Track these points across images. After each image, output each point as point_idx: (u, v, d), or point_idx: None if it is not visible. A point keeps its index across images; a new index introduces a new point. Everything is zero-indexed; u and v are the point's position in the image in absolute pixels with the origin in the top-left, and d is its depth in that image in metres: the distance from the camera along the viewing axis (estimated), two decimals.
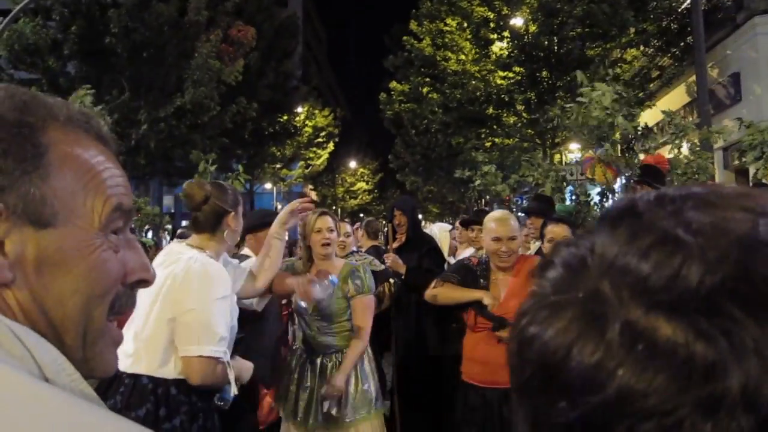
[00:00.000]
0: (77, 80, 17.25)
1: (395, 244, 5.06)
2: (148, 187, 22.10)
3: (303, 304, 3.30)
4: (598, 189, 9.05)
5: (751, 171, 7.87)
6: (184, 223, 29.27)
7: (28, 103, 0.67)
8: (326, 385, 3.46)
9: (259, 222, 3.97)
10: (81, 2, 16.83)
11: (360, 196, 45.83)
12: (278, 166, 27.36)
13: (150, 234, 13.85)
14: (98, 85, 17.05)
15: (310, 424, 3.48)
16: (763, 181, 6.92)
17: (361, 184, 46.19)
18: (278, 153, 26.07)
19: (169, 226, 17.50)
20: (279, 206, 31.24)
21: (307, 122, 30.35)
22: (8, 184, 0.63)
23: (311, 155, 31.58)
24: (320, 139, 32.14)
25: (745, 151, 7.19)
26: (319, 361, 3.59)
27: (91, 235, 0.68)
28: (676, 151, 7.54)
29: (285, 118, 24.88)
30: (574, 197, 8.85)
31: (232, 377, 2.49)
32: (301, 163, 30.58)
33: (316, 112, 31.84)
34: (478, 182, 10.97)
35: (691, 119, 8.09)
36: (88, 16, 16.82)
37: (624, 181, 8.13)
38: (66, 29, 16.77)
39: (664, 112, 7.90)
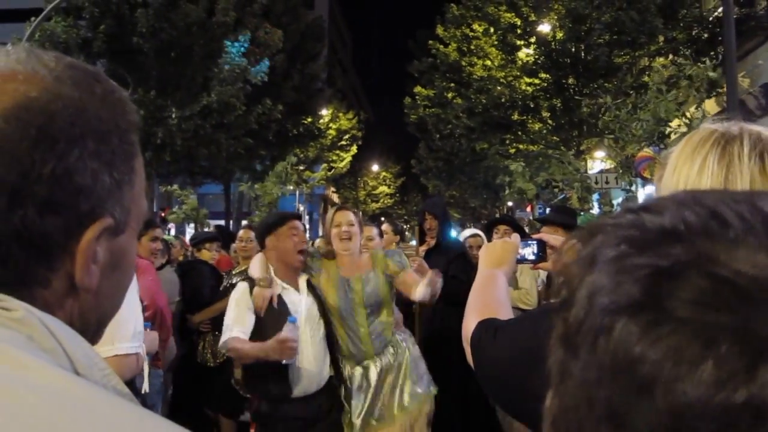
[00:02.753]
0: None
1: (424, 248, 4.97)
2: (172, 185, 22.40)
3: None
4: (620, 199, 8.95)
5: None
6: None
7: (124, 101, 0.66)
8: (425, 287, 3.34)
9: (277, 219, 3.61)
10: (111, 2, 17.09)
11: (382, 200, 45.87)
12: (301, 167, 27.48)
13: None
14: (126, 83, 17.31)
15: (373, 423, 3.35)
16: None
17: (383, 188, 46.24)
18: (301, 154, 26.19)
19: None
20: (301, 207, 31.38)
21: (331, 125, 30.48)
22: (118, 197, 0.62)
23: (334, 158, 31.70)
24: (343, 142, 32.26)
25: None
26: (374, 366, 3.40)
27: (135, 236, 0.69)
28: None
29: (309, 120, 24.99)
30: (599, 208, 8.76)
31: (145, 367, 2.50)
32: (324, 165, 30.69)
33: (340, 114, 31.97)
34: (508, 192, 10.88)
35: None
36: (118, 15, 17.07)
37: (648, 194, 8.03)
38: (95, 28, 17.03)
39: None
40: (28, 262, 0.57)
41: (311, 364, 3.30)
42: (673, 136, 7.83)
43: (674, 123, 8.22)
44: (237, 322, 3.26)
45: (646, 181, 7.12)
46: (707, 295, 0.35)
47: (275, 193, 10.85)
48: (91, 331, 0.65)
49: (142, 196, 0.68)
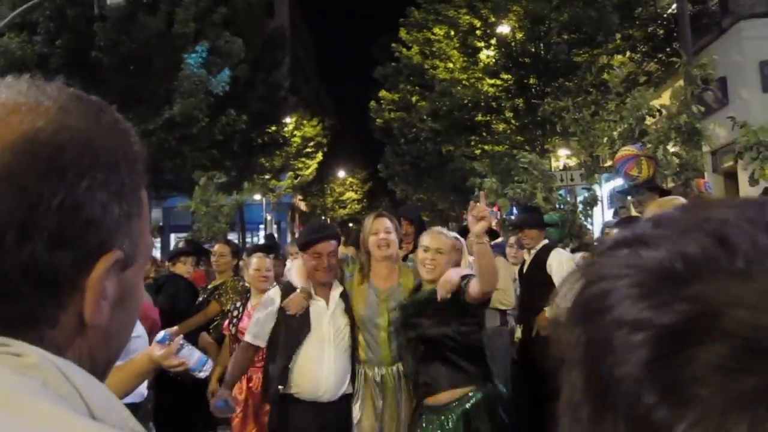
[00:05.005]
0: None
1: (403, 253, 4.97)
2: None
3: None
4: (581, 197, 9.07)
5: (745, 173, 7.90)
6: (173, 236, 29.18)
7: (129, 131, 0.64)
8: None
9: (304, 243, 3.65)
10: (67, 16, 16.76)
11: (349, 206, 45.79)
12: (267, 176, 27.31)
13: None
14: None
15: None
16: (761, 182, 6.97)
17: (350, 194, 46.19)
18: (267, 164, 26.03)
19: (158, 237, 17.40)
20: (268, 217, 31.13)
21: (295, 132, 30.33)
22: (127, 230, 0.60)
23: (300, 165, 31.55)
24: (309, 149, 32.12)
25: (741, 152, 7.22)
26: (390, 373, 3.49)
27: (142, 270, 0.67)
28: (662, 150, 7.55)
29: (274, 128, 24.85)
30: (563, 205, 8.88)
31: None
32: (290, 173, 30.54)
33: (305, 122, 31.85)
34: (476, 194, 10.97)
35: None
36: (75, 29, 16.74)
37: (618, 189, 8.14)
38: (52, 43, 16.69)
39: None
40: (36, 300, 0.55)
41: (331, 373, 3.41)
42: (651, 132, 7.99)
43: (650, 120, 8.39)
44: (255, 328, 3.58)
45: (632, 179, 7.04)
46: (730, 360, 0.29)
47: (227, 205, 10.61)
48: (100, 371, 0.63)
49: (148, 228, 0.67)
